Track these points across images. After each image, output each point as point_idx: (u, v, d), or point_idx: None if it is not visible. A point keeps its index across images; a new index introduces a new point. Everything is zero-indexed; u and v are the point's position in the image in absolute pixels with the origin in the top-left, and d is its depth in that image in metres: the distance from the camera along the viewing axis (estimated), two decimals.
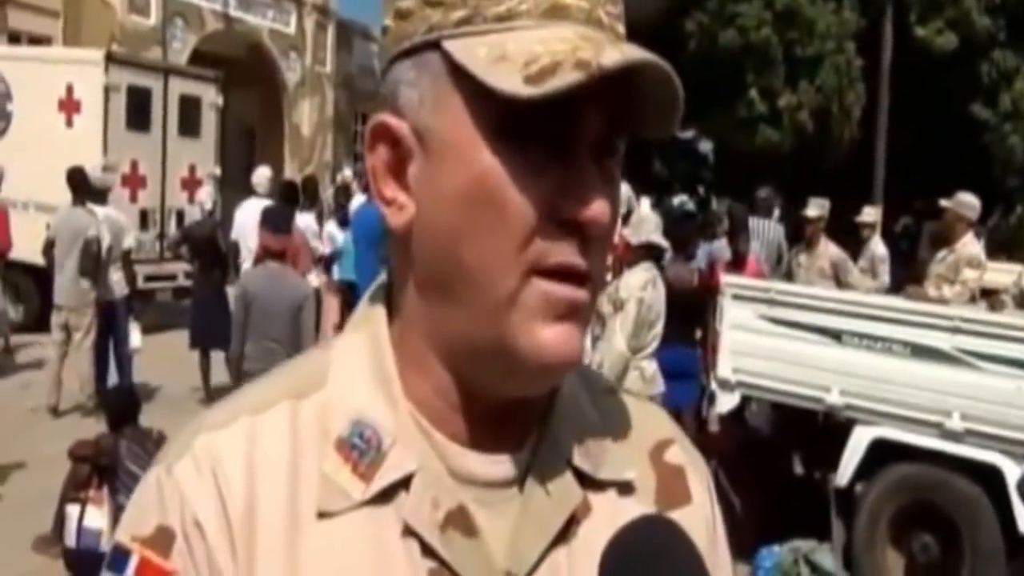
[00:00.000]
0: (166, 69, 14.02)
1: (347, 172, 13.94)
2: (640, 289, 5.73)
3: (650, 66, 0.73)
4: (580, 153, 0.76)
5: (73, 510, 5.22)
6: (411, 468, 0.78)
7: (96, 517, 5.19)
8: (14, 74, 12.45)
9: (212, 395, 9.10)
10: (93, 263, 8.48)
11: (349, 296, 9.18)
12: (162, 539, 0.78)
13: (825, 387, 5.61)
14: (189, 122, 13.39)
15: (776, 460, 6.58)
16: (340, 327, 6.69)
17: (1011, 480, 4.94)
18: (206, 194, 9.81)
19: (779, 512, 5.81)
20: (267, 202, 9.27)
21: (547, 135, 0.75)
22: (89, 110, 12.10)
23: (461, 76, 0.75)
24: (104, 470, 5.31)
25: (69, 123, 12.14)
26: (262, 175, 10.21)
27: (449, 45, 0.76)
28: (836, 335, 5.65)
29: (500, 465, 0.82)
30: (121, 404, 5.74)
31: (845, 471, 5.51)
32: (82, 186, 8.76)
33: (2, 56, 13.30)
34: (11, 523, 5.86)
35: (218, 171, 14.00)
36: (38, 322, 10.72)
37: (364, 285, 7.98)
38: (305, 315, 5.81)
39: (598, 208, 0.75)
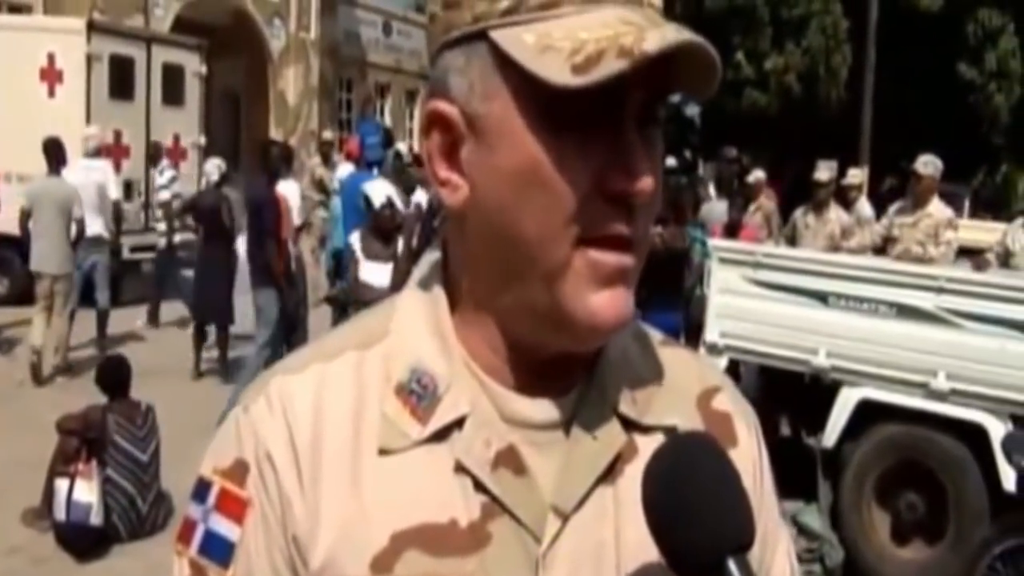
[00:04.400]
0: (149, 37, 13.87)
1: (327, 134, 13.80)
2: None
3: (687, 44, 0.76)
4: (625, 127, 0.80)
5: (62, 484, 5.22)
6: (464, 411, 0.85)
7: (85, 491, 5.20)
8: None
9: (201, 369, 9.11)
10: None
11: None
12: (238, 471, 0.87)
13: (812, 349, 5.63)
14: (173, 91, 13.28)
15: (763, 422, 6.59)
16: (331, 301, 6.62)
17: (996, 438, 4.96)
18: (213, 165, 9.71)
19: None
20: (92, 162, 9.67)
21: (593, 115, 0.79)
22: (71, 80, 11.98)
23: (508, 65, 0.79)
24: (92, 443, 5.31)
25: (51, 93, 12.02)
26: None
27: (496, 35, 0.80)
28: (822, 297, 5.66)
29: (548, 408, 0.87)
30: (113, 375, 5.73)
31: (832, 432, 5.54)
32: (58, 155, 8.94)
33: None
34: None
35: (203, 140, 13.91)
36: (23, 295, 10.68)
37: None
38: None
39: (643, 180, 0.79)
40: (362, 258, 6.26)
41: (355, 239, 6.44)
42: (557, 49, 0.76)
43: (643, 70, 0.76)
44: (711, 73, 0.80)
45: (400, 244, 6.43)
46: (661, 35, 0.75)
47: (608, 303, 0.81)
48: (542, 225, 0.80)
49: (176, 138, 13.29)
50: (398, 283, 6.12)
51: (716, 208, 9.76)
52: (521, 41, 0.78)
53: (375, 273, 6.16)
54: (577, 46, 0.76)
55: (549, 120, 0.79)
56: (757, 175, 10.94)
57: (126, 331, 10.53)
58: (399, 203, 7.31)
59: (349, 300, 7.50)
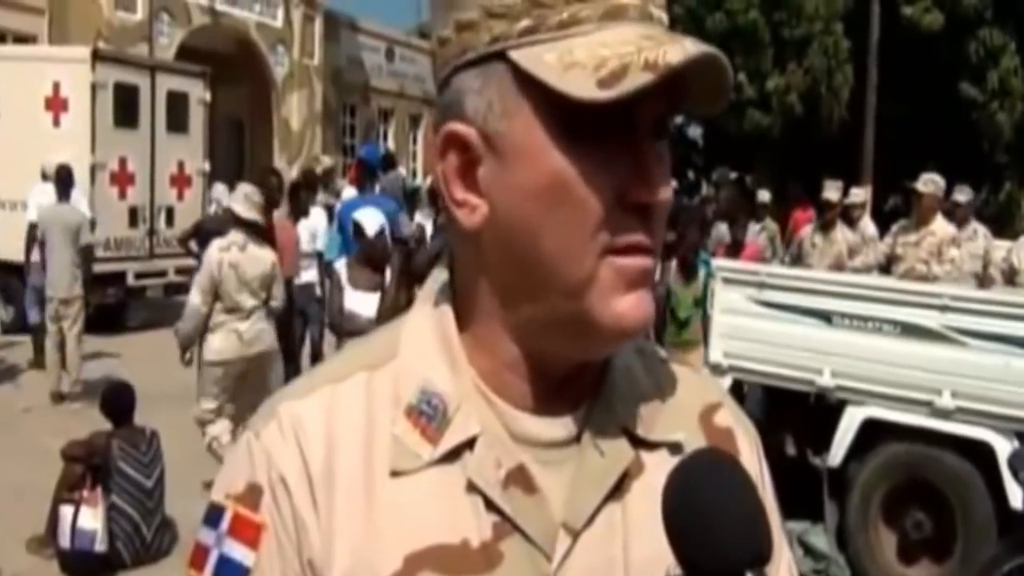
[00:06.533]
0: (153, 65, 13.94)
1: (326, 160, 13.79)
2: (217, 251, 6.30)
3: (709, 56, 0.79)
4: (643, 140, 0.82)
5: (67, 511, 5.22)
6: (474, 431, 0.86)
7: (90, 518, 5.19)
8: (0, 73, 12.38)
9: None
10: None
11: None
12: (252, 495, 0.86)
13: (816, 369, 5.61)
14: (177, 118, 13.32)
15: (768, 442, 6.57)
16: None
17: (1002, 456, 4.95)
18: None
19: None
20: (48, 186, 9.65)
21: (611, 129, 0.81)
22: (76, 108, 12.02)
23: (529, 83, 0.80)
24: (97, 470, 5.31)
25: (56, 122, 12.06)
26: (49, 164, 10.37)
27: (515, 55, 0.81)
28: (826, 316, 5.65)
29: (557, 427, 0.88)
30: (119, 401, 5.73)
31: (837, 451, 5.52)
32: (68, 181, 9.17)
33: None
34: (3, 523, 5.84)
35: (207, 167, 13.95)
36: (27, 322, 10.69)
37: None
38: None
39: (663, 191, 0.82)
40: (348, 288, 6.16)
41: (340, 267, 6.32)
42: (581, 66, 0.77)
43: (659, 83, 0.77)
44: (723, 88, 0.83)
45: (388, 274, 6.28)
46: (682, 48, 0.77)
47: (634, 306, 0.83)
48: (567, 240, 0.81)
49: (181, 165, 13.34)
50: (384, 313, 5.88)
51: (718, 229, 9.79)
52: (543, 60, 0.79)
53: (361, 303, 6.07)
54: (599, 62, 0.77)
55: (570, 135, 0.80)
56: (764, 196, 10.99)
57: (131, 358, 10.53)
58: (388, 231, 7.16)
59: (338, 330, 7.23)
